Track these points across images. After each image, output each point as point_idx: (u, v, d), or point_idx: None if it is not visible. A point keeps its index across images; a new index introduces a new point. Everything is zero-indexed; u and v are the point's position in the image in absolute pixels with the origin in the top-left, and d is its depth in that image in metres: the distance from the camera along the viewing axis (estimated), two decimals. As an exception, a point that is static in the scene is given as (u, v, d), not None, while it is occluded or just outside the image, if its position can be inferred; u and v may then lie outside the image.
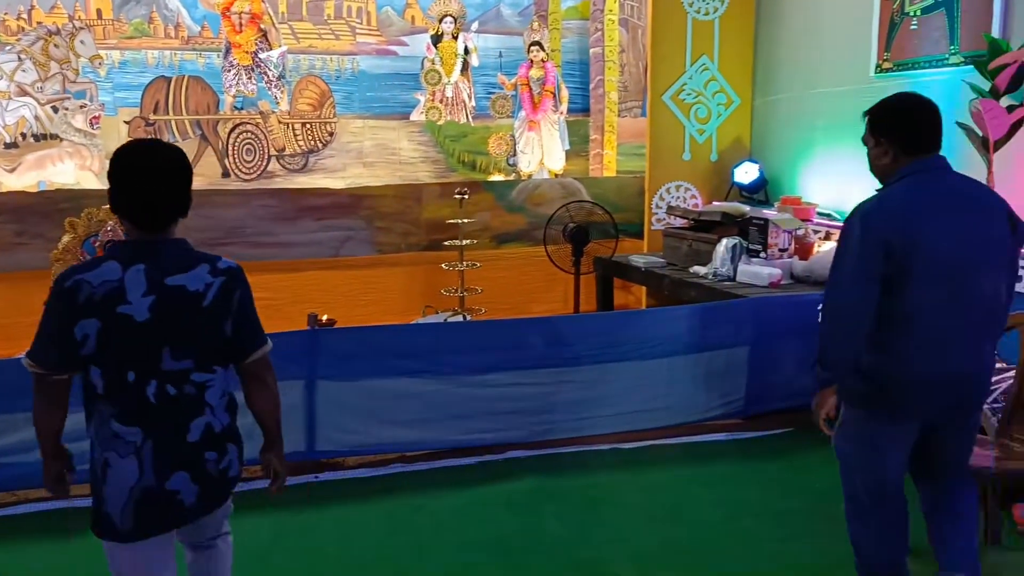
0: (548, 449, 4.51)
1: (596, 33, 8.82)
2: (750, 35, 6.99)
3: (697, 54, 6.92)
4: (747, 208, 6.03)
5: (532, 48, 8.36)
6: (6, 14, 8.60)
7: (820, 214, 6.04)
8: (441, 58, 8.92)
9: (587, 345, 4.62)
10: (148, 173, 2.14)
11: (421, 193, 7.27)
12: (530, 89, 8.35)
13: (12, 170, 7.27)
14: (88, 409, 2.22)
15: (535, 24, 8.58)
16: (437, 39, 8.94)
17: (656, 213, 7.04)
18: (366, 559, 3.47)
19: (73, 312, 2.08)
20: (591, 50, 8.92)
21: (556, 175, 8.30)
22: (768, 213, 5.84)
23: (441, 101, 8.83)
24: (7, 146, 7.44)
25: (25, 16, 8.74)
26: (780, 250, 5.59)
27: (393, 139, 8.61)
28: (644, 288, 6.91)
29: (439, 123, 8.65)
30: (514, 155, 8.56)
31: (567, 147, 8.56)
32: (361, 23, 9.73)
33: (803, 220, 5.78)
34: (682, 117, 6.99)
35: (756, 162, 6.80)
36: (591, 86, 8.92)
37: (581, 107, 8.92)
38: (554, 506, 3.92)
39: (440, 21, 8.91)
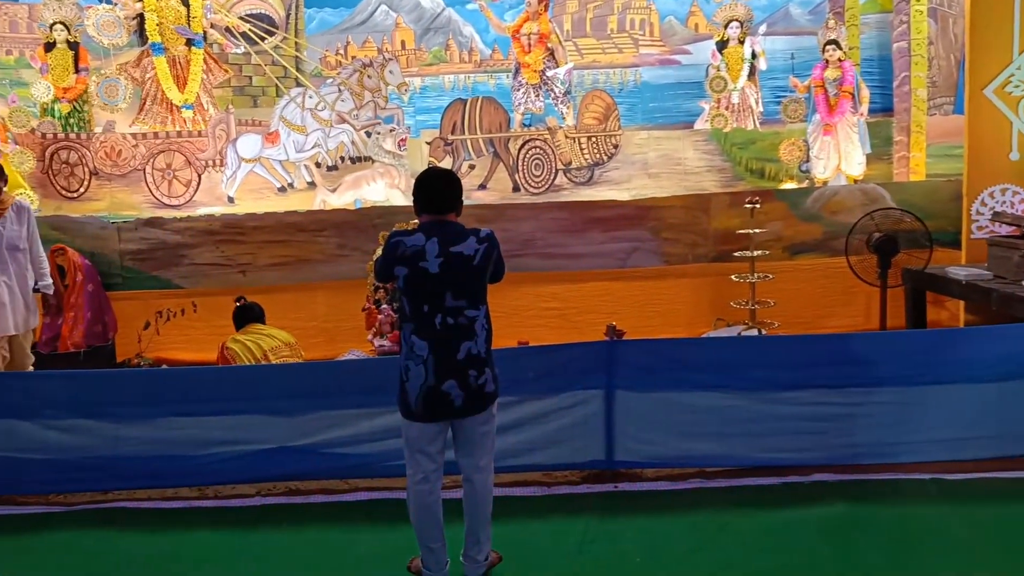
0: (858, 474, 4.24)
1: (900, 26, 8.16)
2: (1098, 14, 6.13)
3: (1028, 41, 6.19)
4: (1096, 212, 5.27)
5: (828, 47, 7.87)
6: (327, 50, 9.64)
7: None
8: (727, 64, 8.71)
9: (903, 364, 4.34)
10: (431, 188, 3.25)
11: (709, 203, 7.11)
12: (825, 91, 7.86)
13: (333, 190, 8.06)
14: (401, 331, 3.27)
15: (830, 22, 8.09)
16: (722, 45, 8.75)
17: (977, 220, 6.35)
18: (673, 573, 3.43)
19: (393, 259, 3.19)
20: (894, 45, 8.26)
21: (855, 181, 7.74)
22: (1125, 218, 5.07)
23: (727, 108, 8.60)
24: (329, 169, 8.27)
25: (342, 52, 9.75)
26: None
27: (678, 148, 8.48)
28: (962, 303, 6.27)
29: (725, 131, 8.40)
30: (807, 161, 8.11)
31: (868, 150, 7.94)
32: (644, 35, 9.78)
33: None
34: (1008, 112, 6.26)
35: (1105, 159, 5.93)
36: (894, 84, 8.26)
37: (882, 107, 8.28)
38: (871, 536, 3.67)
39: (725, 26, 8.71)
